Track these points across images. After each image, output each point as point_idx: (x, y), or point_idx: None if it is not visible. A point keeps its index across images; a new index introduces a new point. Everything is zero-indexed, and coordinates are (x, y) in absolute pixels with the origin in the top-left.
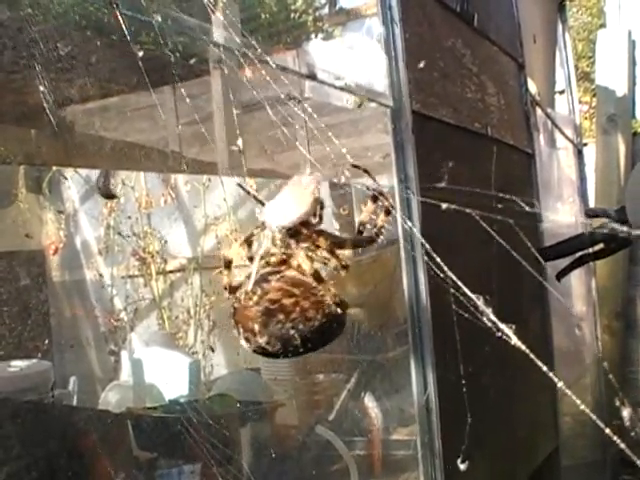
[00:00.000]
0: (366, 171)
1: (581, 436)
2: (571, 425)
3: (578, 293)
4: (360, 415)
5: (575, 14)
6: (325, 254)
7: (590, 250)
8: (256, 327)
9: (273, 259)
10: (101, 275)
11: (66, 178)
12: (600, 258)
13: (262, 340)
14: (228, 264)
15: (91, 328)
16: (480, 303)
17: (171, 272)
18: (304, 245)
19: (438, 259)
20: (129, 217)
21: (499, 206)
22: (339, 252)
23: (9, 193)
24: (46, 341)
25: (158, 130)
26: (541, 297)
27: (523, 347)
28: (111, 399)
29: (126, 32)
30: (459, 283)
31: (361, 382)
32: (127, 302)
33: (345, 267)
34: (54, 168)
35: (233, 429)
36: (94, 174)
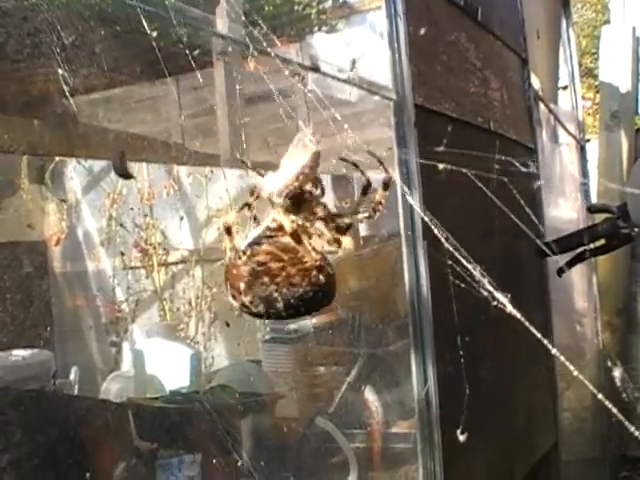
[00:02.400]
0: (355, 165)
1: (580, 432)
2: (571, 421)
3: (579, 289)
4: (360, 408)
5: (579, 10)
6: (321, 226)
7: (591, 246)
8: (241, 286)
9: (273, 224)
10: (117, 260)
11: (79, 163)
12: (601, 254)
13: (246, 299)
14: (228, 230)
15: (92, 319)
16: (477, 273)
17: (173, 264)
18: (302, 214)
19: (437, 232)
20: (131, 208)
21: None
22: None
23: (12, 183)
24: (48, 330)
25: (161, 121)
26: (542, 293)
27: (518, 315)
28: (112, 389)
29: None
30: (456, 254)
31: (362, 375)
32: (129, 293)
33: (338, 242)
34: (57, 158)
35: (234, 420)
36: (97, 165)
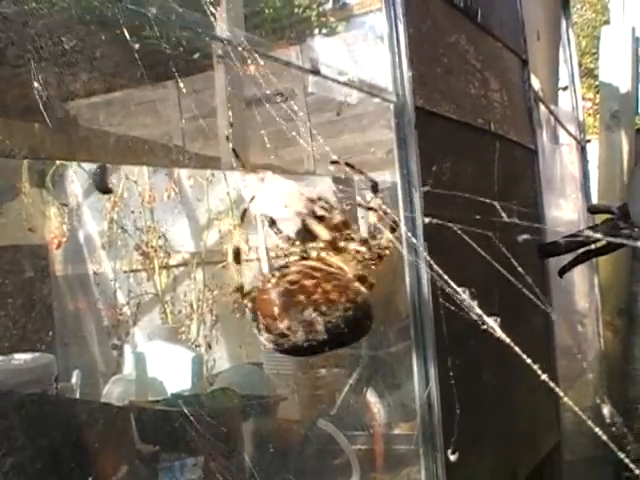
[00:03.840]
0: (362, 172)
1: (583, 432)
2: (573, 420)
3: (581, 289)
4: (362, 410)
5: (579, 10)
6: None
7: (593, 246)
8: (275, 310)
9: (292, 258)
10: (118, 263)
11: (80, 166)
12: (603, 254)
13: (282, 325)
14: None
15: (94, 322)
16: (466, 296)
17: (174, 267)
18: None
19: (427, 256)
20: (132, 211)
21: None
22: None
23: (13, 187)
24: (50, 334)
25: (162, 125)
26: (543, 294)
27: (507, 340)
28: (114, 392)
29: (130, 26)
30: (445, 277)
31: (363, 377)
32: (130, 296)
33: (363, 279)
34: (58, 162)
35: (235, 423)
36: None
